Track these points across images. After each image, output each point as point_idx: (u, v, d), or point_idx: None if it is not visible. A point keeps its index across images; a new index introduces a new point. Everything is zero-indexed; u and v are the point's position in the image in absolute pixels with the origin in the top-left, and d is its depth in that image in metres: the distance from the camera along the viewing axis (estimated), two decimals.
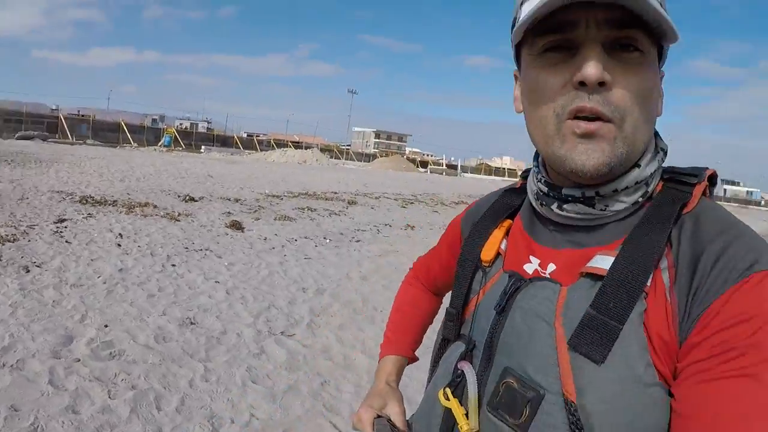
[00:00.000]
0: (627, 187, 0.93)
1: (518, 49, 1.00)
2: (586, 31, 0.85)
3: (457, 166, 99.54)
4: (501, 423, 0.92)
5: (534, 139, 0.98)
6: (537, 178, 1.05)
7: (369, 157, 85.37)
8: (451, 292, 1.21)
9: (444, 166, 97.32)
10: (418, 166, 77.76)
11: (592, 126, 0.85)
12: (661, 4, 0.85)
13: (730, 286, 0.78)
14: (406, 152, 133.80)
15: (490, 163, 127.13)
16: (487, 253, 1.11)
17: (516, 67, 1.05)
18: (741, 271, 0.79)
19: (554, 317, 0.90)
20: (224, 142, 71.23)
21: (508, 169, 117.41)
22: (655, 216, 0.91)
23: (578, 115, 0.86)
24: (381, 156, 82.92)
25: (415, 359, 1.50)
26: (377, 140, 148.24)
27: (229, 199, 14.54)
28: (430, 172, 74.74)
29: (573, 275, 0.93)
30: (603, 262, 0.89)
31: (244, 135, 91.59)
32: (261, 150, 62.65)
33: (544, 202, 1.02)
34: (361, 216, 15.19)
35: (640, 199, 0.95)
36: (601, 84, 0.84)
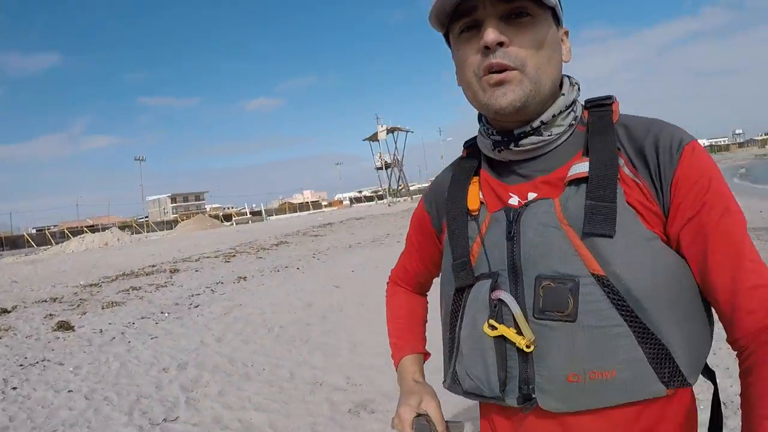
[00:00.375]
0: (561, 112, 1.20)
1: (447, 36, 1.28)
2: (484, 11, 1.12)
3: (261, 211, 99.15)
4: (552, 322, 1.10)
5: (468, 99, 1.24)
6: (488, 134, 1.27)
7: (171, 224, 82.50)
8: (452, 248, 1.30)
9: (249, 215, 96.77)
10: (222, 221, 76.43)
11: (500, 75, 1.12)
12: None
13: (677, 163, 1.10)
14: (207, 210, 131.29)
15: (292, 201, 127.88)
16: (472, 203, 1.28)
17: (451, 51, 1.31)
18: (676, 150, 1.11)
19: (559, 222, 1.13)
20: (14, 243, 65.65)
21: (311, 202, 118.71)
22: (597, 130, 1.19)
23: (490, 72, 1.13)
24: (183, 219, 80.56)
25: (428, 354, 1.61)
26: (174, 205, 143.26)
27: (46, 301, 13.21)
28: (236, 223, 73.83)
29: (555, 190, 1.17)
30: (580, 168, 1.14)
31: (34, 231, 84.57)
32: (56, 243, 58.06)
33: (502, 148, 1.24)
34: (189, 281, 14.60)
35: (573, 122, 1.22)
36: (502, 44, 1.11)
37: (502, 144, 1.23)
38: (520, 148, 1.20)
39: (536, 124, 1.18)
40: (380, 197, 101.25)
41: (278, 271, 15.03)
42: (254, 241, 26.67)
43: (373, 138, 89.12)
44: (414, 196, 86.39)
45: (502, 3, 1.11)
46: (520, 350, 1.12)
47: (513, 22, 1.12)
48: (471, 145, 1.41)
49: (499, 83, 1.12)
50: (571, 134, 1.22)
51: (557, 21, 1.21)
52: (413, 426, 1.31)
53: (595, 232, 1.08)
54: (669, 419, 1.14)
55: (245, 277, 14.14)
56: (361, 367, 6.06)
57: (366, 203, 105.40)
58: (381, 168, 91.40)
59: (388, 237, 21.87)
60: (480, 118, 1.31)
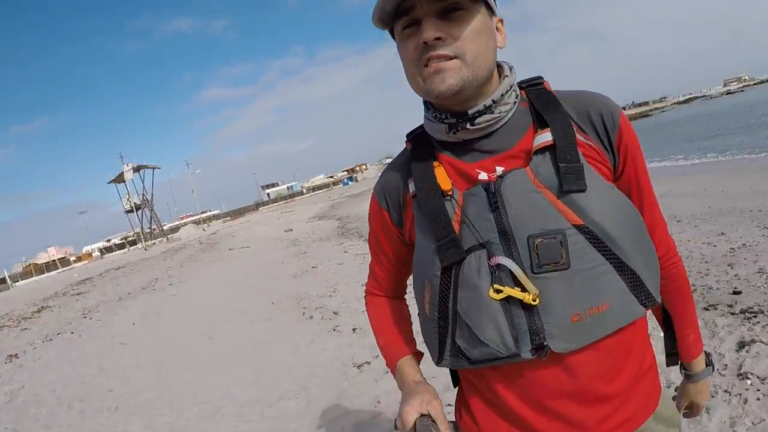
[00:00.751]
0: (507, 91, 1.35)
1: (392, 32, 1.38)
2: (421, 9, 1.25)
3: (4, 278, 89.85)
4: (550, 273, 1.26)
5: (413, 88, 1.37)
6: (439, 119, 1.38)
7: None
8: (432, 230, 1.37)
9: None
10: None
11: (439, 64, 1.26)
12: None
13: (617, 128, 1.36)
14: None
15: (37, 262, 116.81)
16: (445, 184, 1.37)
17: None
18: (617, 118, 1.36)
19: (535, 186, 1.28)
20: None
21: (58, 260, 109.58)
22: (544, 104, 1.37)
23: (430, 61, 1.26)
24: None
25: (421, 354, 1.65)
26: None
27: None
28: None
29: (520, 161, 1.34)
30: (544, 138, 1.32)
31: None
32: None
33: (457, 129, 1.36)
34: None
35: (516, 100, 1.38)
36: (439, 39, 1.24)
37: (457, 125, 1.35)
38: (476, 127, 1.34)
39: (488, 102, 1.32)
40: (132, 243, 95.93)
41: (51, 340, 13.69)
42: (11, 313, 24.02)
43: (119, 179, 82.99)
44: (169, 236, 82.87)
45: (436, 1, 1.24)
46: (524, 306, 1.27)
47: (449, 17, 1.26)
48: (417, 135, 1.50)
49: (438, 71, 1.26)
50: (515, 111, 1.38)
51: (491, 11, 1.34)
52: (416, 426, 1.34)
53: (571, 189, 1.27)
54: (639, 334, 1.42)
55: (16, 355, 12.68)
56: (191, 421, 5.82)
57: (119, 251, 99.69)
58: (131, 210, 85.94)
59: (158, 281, 20.89)
60: (427, 106, 1.43)
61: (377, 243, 1.66)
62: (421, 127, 1.50)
